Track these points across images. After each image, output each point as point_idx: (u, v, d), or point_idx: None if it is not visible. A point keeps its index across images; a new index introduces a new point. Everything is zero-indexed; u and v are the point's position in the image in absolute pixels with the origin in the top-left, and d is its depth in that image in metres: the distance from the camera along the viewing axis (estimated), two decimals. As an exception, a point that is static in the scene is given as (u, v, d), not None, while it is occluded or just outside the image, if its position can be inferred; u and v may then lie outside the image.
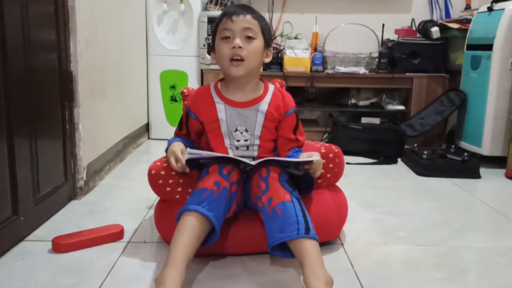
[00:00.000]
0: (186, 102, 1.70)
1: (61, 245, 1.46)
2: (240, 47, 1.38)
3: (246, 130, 1.46)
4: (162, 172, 1.45)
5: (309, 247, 1.20)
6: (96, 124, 2.18)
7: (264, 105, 1.46)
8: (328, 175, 1.59)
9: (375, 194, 2.17)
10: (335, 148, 1.61)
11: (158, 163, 1.48)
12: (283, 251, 1.27)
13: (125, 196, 2.03)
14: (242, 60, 1.39)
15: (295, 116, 1.51)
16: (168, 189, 1.46)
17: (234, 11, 1.40)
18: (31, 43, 1.59)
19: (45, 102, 1.73)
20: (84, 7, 1.98)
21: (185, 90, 1.72)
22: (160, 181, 1.46)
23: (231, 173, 1.35)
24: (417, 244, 1.59)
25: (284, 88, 1.67)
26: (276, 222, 1.24)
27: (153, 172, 1.46)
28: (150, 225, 1.69)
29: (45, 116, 1.72)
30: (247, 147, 1.47)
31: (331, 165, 1.58)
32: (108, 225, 1.60)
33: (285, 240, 1.22)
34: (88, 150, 2.05)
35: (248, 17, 1.40)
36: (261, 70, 1.59)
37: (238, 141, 1.46)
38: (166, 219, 1.47)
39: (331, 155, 1.58)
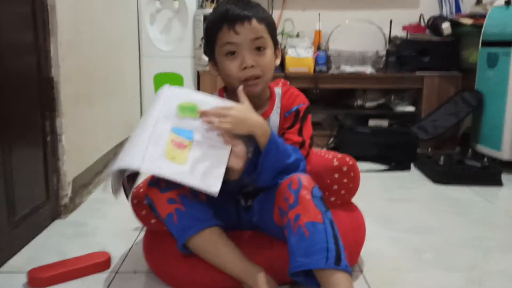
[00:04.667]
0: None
1: (38, 279, 1.26)
2: (253, 66, 1.16)
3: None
4: (145, 202, 1.25)
5: (339, 281, 1.02)
6: (83, 134, 1.98)
7: (274, 118, 1.26)
8: (342, 192, 1.39)
9: (390, 206, 1.97)
10: (349, 160, 1.41)
11: (141, 190, 1.27)
12: (308, 277, 1.09)
13: (115, 213, 1.82)
14: (258, 77, 1.18)
15: (294, 115, 1.26)
16: (153, 221, 1.26)
17: (236, 17, 1.14)
18: (5, 46, 1.40)
19: (22, 112, 1.53)
20: (66, 5, 1.78)
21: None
22: (144, 212, 1.26)
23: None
24: (447, 269, 1.39)
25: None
26: (301, 244, 1.06)
27: (135, 201, 1.26)
28: (141, 250, 1.49)
29: (22, 128, 1.53)
30: None
31: (345, 180, 1.38)
32: (92, 253, 1.40)
33: (309, 268, 1.05)
34: (73, 163, 1.84)
35: (254, 22, 1.15)
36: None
37: None
38: (155, 251, 1.27)
39: (345, 169, 1.39)
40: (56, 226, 1.71)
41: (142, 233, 1.60)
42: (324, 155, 1.46)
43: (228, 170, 1.12)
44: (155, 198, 1.16)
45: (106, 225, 1.71)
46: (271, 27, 1.21)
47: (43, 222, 1.67)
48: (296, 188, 1.11)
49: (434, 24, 3.08)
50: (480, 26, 2.71)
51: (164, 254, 1.24)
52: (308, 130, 1.26)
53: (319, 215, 1.09)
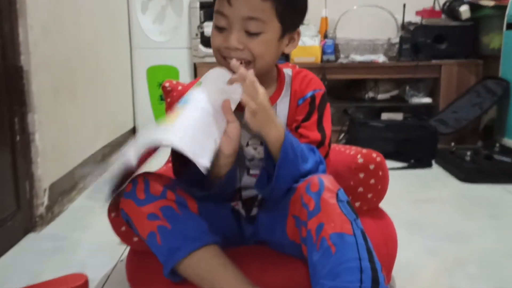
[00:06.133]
0: (169, 100, 1.25)
1: (-5, 311, 1.02)
2: (237, 48, 0.91)
3: (262, 144, 1.00)
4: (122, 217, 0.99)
5: None
6: (63, 133, 1.73)
7: (283, 105, 1.01)
8: (369, 195, 1.15)
9: (416, 209, 1.72)
10: (376, 156, 1.17)
11: None
12: None
13: (100, 224, 1.56)
14: (246, 62, 0.93)
15: (308, 104, 1.01)
16: (135, 238, 1.02)
17: None
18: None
19: (-17, 107, 1.29)
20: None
21: (167, 84, 1.27)
22: (124, 228, 1.01)
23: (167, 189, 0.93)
24: (498, 287, 1.14)
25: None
26: (326, 262, 0.81)
27: (112, 215, 1.01)
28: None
29: (-17, 126, 1.29)
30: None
31: (372, 181, 1.14)
32: (66, 276, 1.15)
33: None
34: (50, 166, 1.60)
35: None
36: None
37: (251, 160, 1.00)
38: (140, 274, 1.02)
39: (371, 167, 1.14)
40: (30, 241, 1.46)
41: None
42: (345, 151, 1.22)
43: (216, 159, 0.87)
44: (132, 214, 0.91)
45: (89, 239, 1.47)
46: (285, 6, 0.91)
47: (13, 236, 1.42)
48: (316, 191, 0.86)
49: (450, 7, 2.83)
50: (504, 7, 2.48)
51: (150, 278, 0.99)
52: (328, 123, 1.01)
53: (347, 224, 0.84)
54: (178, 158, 0.95)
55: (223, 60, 0.95)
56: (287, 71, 1.05)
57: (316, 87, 1.02)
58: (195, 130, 0.83)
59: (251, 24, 0.90)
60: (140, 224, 0.91)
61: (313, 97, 1.01)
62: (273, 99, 1.01)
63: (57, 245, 1.43)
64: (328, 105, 1.04)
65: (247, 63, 0.93)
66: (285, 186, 0.91)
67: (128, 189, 0.93)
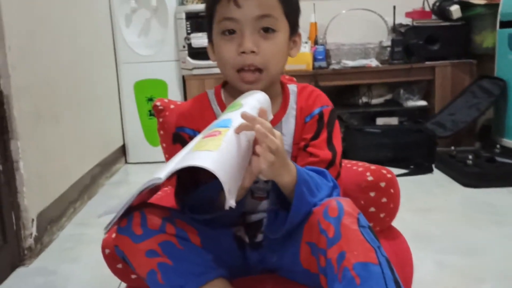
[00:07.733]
0: (161, 120, 1.17)
1: None
2: (253, 51, 0.85)
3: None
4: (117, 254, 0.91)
5: None
6: (49, 158, 1.64)
7: (289, 123, 0.94)
8: (382, 215, 1.07)
9: (422, 219, 1.66)
10: (387, 173, 1.10)
11: (114, 235, 0.93)
12: None
13: (91, 253, 1.48)
14: (258, 70, 0.86)
15: (316, 121, 0.94)
16: (133, 276, 0.93)
17: None
18: None
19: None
20: (14, 3, 1.45)
21: (158, 103, 1.18)
22: (120, 265, 0.93)
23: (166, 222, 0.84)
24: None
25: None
26: None
27: (106, 251, 0.93)
28: (124, 306, 1.16)
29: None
30: (268, 192, 0.93)
31: (384, 199, 1.07)
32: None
33: None
34: (37, 195, 1.51)
35: None
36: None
37: (255, 182, 0.92)
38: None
39: (382, 184, 1.07)
40: (18, 277, 1.37)
41: (125, 281, 1.27)
42: (352, 167, 1.14)
43: None
44: (128, 251, 0.83)
45: (80, 271, 1.38)
46: (289, 4, 0.89)
47: (0, 273, 1.33)
48: (336, 216, 0.78)
49: (441, 7, 2.78)
50: (495, 6, 2.44)
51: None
52: (338, 140, 0.95)
53: (371, 253, 0.76)
54: (185, 180, 0.87)
55: (236, 75, 0.87)
56: (292, 87, 0.98)
57: (324, 103, 0.95)
58: (235, 165, 0.73)
59: (265, 22, 0.85)
60: (138, 262, 0.83)
61: (321, 114, 0.94)
62: (278, 117, 0.93)
63: (47, 281, 1.33)
64: (337, 122, 0.97)
65: (258, 71, 0.86)
66: (298, 220, 0.84)
67: (123, 224, 0.84)
